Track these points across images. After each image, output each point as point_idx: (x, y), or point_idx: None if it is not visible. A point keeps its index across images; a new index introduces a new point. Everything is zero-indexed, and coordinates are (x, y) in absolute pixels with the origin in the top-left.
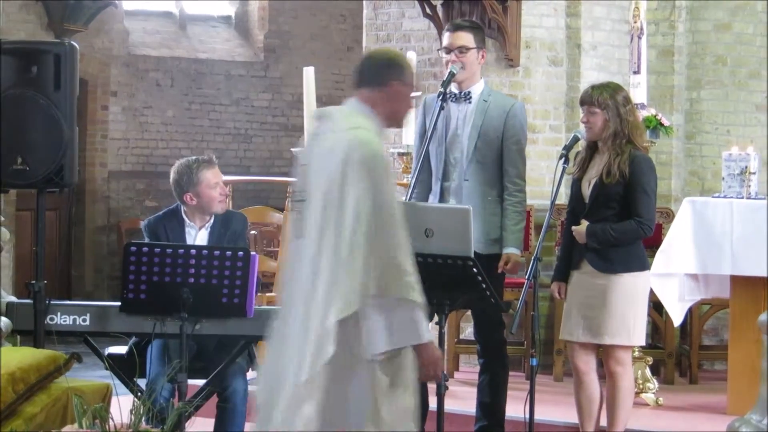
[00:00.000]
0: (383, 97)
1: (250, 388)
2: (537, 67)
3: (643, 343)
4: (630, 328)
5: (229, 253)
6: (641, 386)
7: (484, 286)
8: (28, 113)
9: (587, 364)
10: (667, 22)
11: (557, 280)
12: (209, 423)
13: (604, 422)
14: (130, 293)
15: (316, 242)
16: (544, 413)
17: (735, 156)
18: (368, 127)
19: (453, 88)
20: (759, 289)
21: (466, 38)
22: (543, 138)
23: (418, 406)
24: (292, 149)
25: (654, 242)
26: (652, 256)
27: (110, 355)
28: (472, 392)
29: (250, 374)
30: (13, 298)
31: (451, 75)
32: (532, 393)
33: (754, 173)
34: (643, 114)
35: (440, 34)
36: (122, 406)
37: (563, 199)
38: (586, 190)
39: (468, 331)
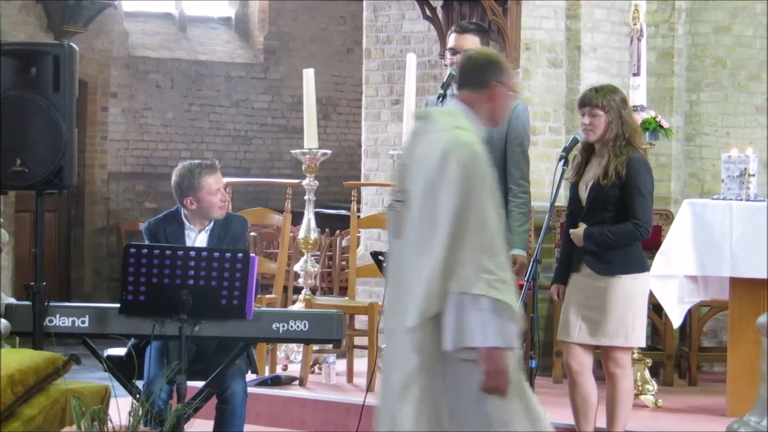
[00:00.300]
0: (483, 97)
1: (249, 390)
2: (537, 69)
3: (643, 345)
4: (629, 330)
5: (228, 254)
6: (640, 388)
7: None
8: (28, 115)
9: (581, 364)
10: (666, 24)
11: (557, 282)
12: (208, 425)
13: (600, 423)
14: (129, 295)
15: (415, 244)
16: None
17: (734, 158)
18: (468, 128)
19: (455, 90)
20: (758, 290)
21: (473, 41)
22: (543, 140)
23: (532, 408)
24: (291, 151)
25: (653, 244)
26: (652, 257)
27: (109, 357)
28: None
29: (249, 376)
30: (12, 300)
31: (451, 77)
32: None
33: (754, 175)
34: (642, 116)
35: (440, 36)
36: (121, 407)
37: (563, 200)
38: (583, 193)
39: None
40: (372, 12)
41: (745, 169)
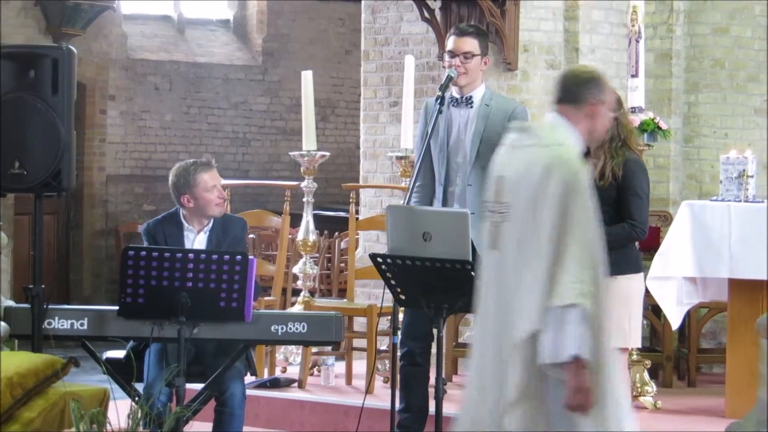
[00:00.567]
0: (582, 114)
1: (248, 392)
2: (535, 71)
3: (639, 345)
4: (625, 331)
5: (227, 257)
6: (639, 389)
7: None
8: (26, 117)
9: None
10: (665, 26)
11: None
12: (207, 427)
13: None
14: (128, 297)
15: (514, 257)
16: None
17: (733, 159)
18: (571, 144)
19: (454, 92)
20: (757, 292)
21: (472, 44)
22: None
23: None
24: (290, 153)
25: (652, 245)
26: (650, 259)
27: (108, 360)
28: None
29: (248, 378)
30: (11, 303)
31: (449, 79)
32: None
33: (752, 176)
34: (641, 117)
35: (438, 38)
36: (120, 410)
37: None
38: None
39: (467, 334)
40: (370, 14)
41: (744, 170)
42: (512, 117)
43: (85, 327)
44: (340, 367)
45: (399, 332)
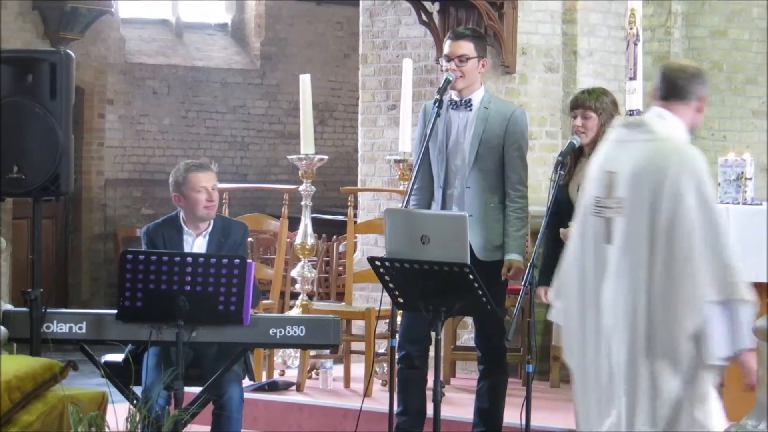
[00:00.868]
0: (689, 109)
1: (247, 395)
2: (533, 74)
3: None
4: None
5: (225, 260)
6: None
7: (480, 292)
8: (24, 122)
9: None
10: (663, 29)
11: (543, 284)
12: (205, 430)
13: None
14: (126, 301)
15: (641, 253)
16: (540, 420)
17: (731, 161)
18: (685, 138)
19: (453, 95)
20: (756, 295)
21: (467, 47)
22: (539, 144)
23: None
24: (288, 156)
25: None
26: None
27: (106, 363)
28: (469, 398)
29: (246, 381)
30: (10, 306)
31: (447, 82)
32: (528, 399)
33: (750, 179)
34: None
35: (437, 42)
36: (118, 413)
37: None
38: (575, 194)
39: (465, 337)
40: (368, 17)
41: (742, 172)
42: (511, 120)
43: (84, 330)
44: (338, 370)
45: (397, 335)
